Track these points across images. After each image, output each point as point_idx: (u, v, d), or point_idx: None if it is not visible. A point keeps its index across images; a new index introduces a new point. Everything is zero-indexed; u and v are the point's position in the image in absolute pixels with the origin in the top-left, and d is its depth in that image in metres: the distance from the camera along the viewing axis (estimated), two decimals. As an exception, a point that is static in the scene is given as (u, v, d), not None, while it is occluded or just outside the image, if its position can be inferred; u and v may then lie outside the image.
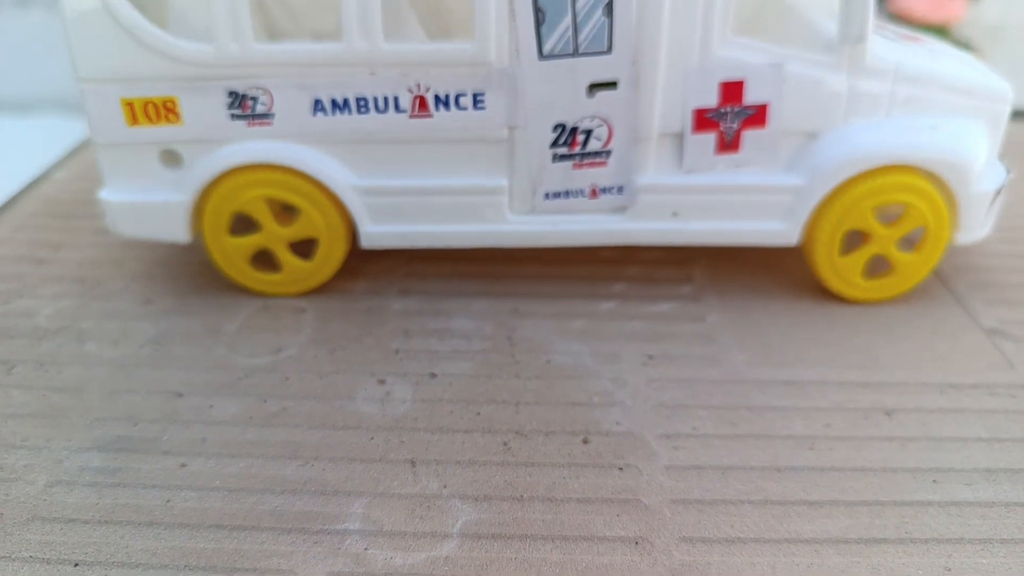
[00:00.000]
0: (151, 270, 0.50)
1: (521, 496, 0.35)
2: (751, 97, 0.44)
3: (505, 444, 0.38)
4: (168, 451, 0.37)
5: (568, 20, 0.41)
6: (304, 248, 0.47)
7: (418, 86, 0.42)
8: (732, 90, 0.43)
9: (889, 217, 0.47)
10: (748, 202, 0.46)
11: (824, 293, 0.49)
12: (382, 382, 0.42)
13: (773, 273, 0.51)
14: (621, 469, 0.37)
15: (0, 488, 0.35)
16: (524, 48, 0.41)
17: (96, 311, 0.46)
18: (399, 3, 0.43)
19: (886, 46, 0.46)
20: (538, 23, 0.41)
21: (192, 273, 0.49)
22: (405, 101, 0.42)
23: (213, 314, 0.46)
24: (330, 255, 0.46)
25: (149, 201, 0.44)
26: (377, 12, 0.40)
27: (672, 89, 0.43)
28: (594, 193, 0.45)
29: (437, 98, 0.42)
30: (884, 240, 0.47)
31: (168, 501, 0.34)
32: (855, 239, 0.48)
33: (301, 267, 0.47)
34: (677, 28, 0.41)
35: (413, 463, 0.37)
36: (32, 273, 0.49)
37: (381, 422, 0.39)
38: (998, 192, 0.47)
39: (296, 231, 0.46)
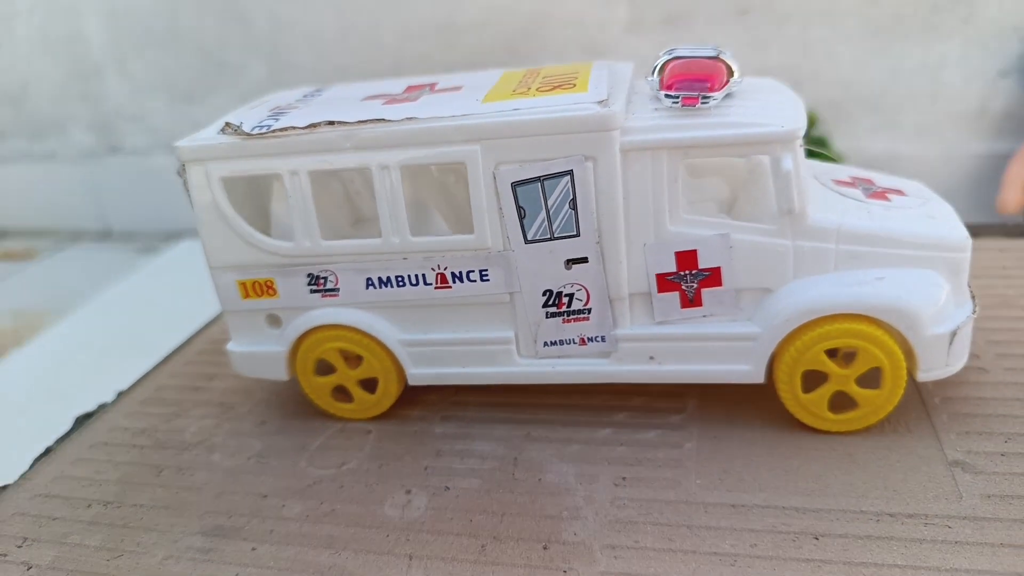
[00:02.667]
0: (270, 398, 0.66)
1: (476, 589, 0.46)
2: (704, 263, 0.53)
3: (483, 547, 0.49)
4: (247, 538, 0.52)
5: (543, 214, 0.53)
6: (371, 384, 0.61)
7: (439, 266, 0.55)
8: (687, 258, 0.53)
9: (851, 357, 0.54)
10: (714, 348, 0.55)
11: (801, 424, 0.55)
12: (408, 492, 0.54)
13: (758, 404, 0.58)
14: (565, 572, 0.46)
15: (132, 558, 0.51)
16: (513, 236, 0.53)
17: (226, 429, 0.63)
18: (425, 204, 0.58)
19: (834, 208, 0.53)
20: (521, 218, 0.53)
21: (296, 402, 0.65)
22: (430, 277, 0.56)
23: (303, 434, 0.61)
24: (387, 391, 0.60)
25: (260, 351, 0.61)
26: (404, 218, 0.54)
27: (635, 260, 0.53)
28: (583, 342, 0.56)
29: (453, 274, 0.55)
30: (842, 379, 0.53)
31: (236, 575, 0.49)
32: (821, 376, 0.54)
33: (367, 399, 0.61)
34: (631, 215, 0.52)
35: (410, 557, 0.49)
36: (189, 399, 0.68)
37: (398, 524, 0.51)
38: (954, 333, 0.52)
39: (361, 372, 0.60)
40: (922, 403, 0.57)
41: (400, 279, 0.56)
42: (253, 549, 0.51)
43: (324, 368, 0.61)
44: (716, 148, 0.51)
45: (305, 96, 0.62)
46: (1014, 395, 0.57)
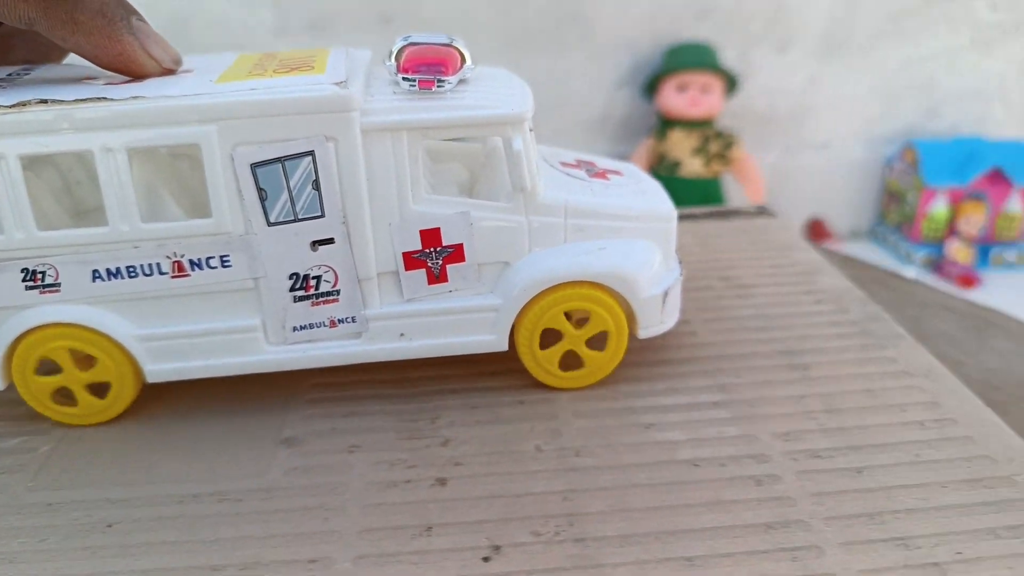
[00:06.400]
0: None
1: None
2: (448, 239, 0.55)
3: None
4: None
5: (286, 196, 0.52)
6: (101, 388, 0.56)
7: (175, 253, 0.53)
8: (431, 236, 0.55)
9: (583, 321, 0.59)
10: (461, 320, 0.57)
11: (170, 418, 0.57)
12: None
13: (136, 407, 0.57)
14: None
15: None
16: (255, 219, 0.52)
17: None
18: (156, 188, 0.55)
19: (562, 187, 0.58)
20: (263, 200, 0.52)
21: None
22: (166, 266, 0.53)
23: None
24: (120, 394, 0.56)
25: (-36, 359, 0.54)
26: (133, 204, 0.51)
27: (381, 239, 0.54)
28: (333, 324, 0.56)
29: (192, 262, 0.53)
30: (574, 339, 0.58)
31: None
32: (555, 338, 0.59)
33: (96, 404, 0.56)
34: (376, 195, 0.53)
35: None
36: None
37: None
38: (666, 293, 0.59)
39: (93, 375, 0.55)
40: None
41: (132, 270, 0.53)
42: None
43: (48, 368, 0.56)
44: (453, 129, 0.53)
45: (10, 75, 0.56)
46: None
